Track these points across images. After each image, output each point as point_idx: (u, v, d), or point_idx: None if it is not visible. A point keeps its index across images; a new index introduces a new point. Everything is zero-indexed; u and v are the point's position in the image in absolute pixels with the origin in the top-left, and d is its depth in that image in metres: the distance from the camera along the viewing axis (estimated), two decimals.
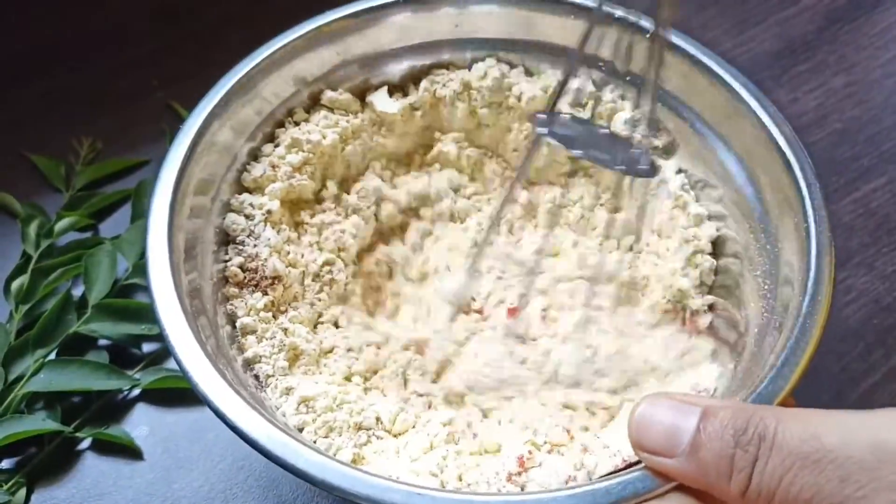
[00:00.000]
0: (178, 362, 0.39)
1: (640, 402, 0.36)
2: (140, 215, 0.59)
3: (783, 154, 0.45)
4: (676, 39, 0.50)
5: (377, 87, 0.54)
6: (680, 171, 0.51)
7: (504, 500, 0.36)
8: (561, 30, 0.53)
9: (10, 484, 0.48)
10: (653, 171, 0.45)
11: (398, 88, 0.55)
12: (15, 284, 0.54)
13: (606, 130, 0.46)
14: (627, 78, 0.52)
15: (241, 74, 0.49)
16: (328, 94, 0.53)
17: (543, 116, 0.44)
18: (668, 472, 0.34)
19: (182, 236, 0.44)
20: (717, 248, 0.49)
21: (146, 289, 0.54)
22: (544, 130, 0.44)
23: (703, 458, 0.33)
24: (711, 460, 0.33)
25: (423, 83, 0.54)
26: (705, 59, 0.49)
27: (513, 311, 0.49)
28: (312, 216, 0.51)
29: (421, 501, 0.35)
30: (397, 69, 0.54)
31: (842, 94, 0.68)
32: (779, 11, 0.73)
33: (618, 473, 0.36)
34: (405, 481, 0.37)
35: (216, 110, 0.48)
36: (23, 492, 0.48)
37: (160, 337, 0.53)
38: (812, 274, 0.41)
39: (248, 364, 0.44)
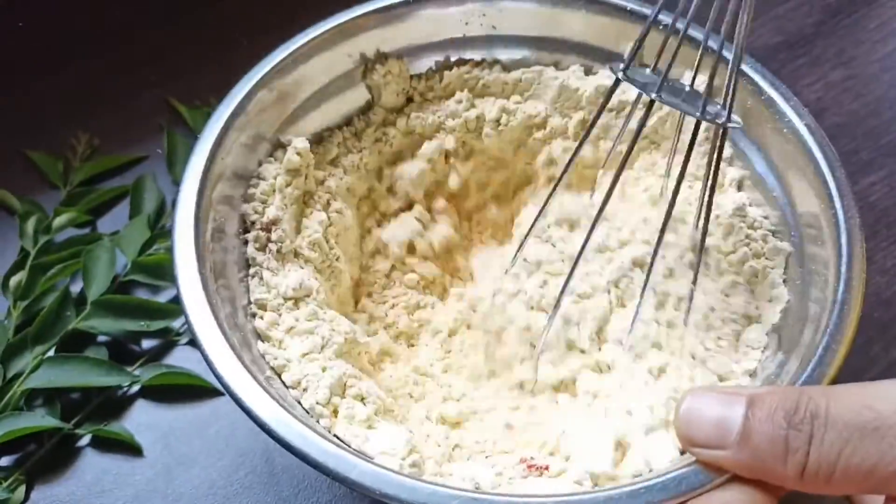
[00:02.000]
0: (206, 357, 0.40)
1: (683, 397, 0.36)
2: (138, 211, 0.58)
3: (805, 143, 0.46)
4: (693, 31, 0.50)
5: None
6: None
7: (561, 500, 0.36)
8: (589, 27, 0.54)
9: (9, 481, 0.48)
10: (732, 121, 0.43)
11: None
12: (13, 281, 0.54)
13: (686, 86, 0.45)
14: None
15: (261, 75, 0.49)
16: None
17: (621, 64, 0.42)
18: (722, 464, 0.34)
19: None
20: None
21: (147, 285, 0.55)
22: (620, 73, 0.42)
23: (755, 444, 0.33)
24: (765, 445, 0.33)
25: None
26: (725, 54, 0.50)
27: None
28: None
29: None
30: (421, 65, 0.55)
31: (840, 87, 0.68)
32: (777, 5, 0.73)
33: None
34: (434, 482, 0.37)
35: (242, 104, 0.48)
36: (22, 489, 0.48)
37: (159, 333, 0.53)
38: (844, 259, 0.41)
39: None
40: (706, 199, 0.45)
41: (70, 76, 0.67)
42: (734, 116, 0.43)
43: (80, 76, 0.67)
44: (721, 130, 0.43)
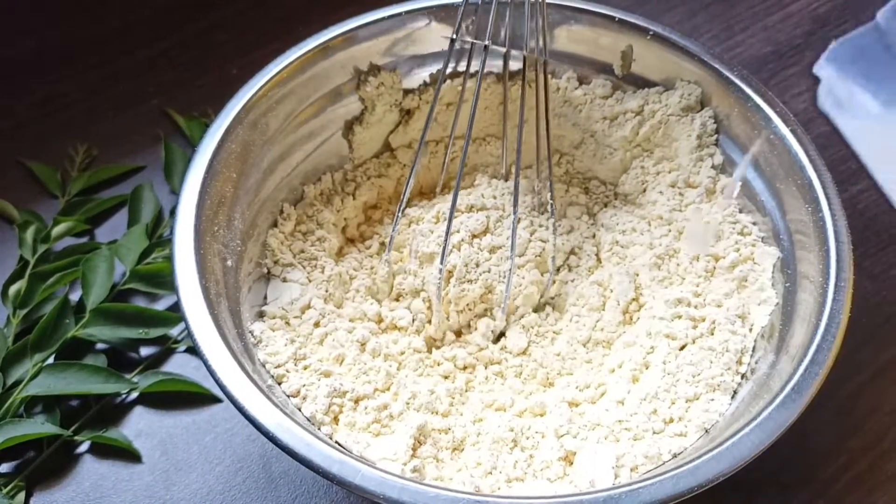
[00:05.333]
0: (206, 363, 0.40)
1: None
2: (136, 220, 0.59)
3: (791, 148, 0.47)
4: (685, 42, 0.52)
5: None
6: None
7: (562, 500, 0.37)
8: (580, 39, 0.55)
9: (9, 487, 0.48)
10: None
11: None
12: (12, 289, 0.54)
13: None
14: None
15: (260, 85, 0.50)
16: None
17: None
18: None
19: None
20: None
21: (145, 293, 0.56)
22: (453, 36, 0.48)
23: None
24: None
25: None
26: (716, 64, 0.51)
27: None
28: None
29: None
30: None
31: None
32: (766, 16, 0.74)
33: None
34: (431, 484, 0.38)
35: (239, 115, 0.49)
36: (22, 495, 0.48)
37: (157, 340, 0.54)
38: (833, 261, 0.42)
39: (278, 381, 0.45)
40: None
41: (68, 86, 0.68)
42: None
43: (79, 86, 0.68)
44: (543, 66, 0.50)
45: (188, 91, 0.67)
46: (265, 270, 0.50)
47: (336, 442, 0.42)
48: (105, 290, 0.54)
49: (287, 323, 0.48)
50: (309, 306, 0.49)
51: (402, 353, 0.49)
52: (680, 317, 0.48)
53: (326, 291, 0.50)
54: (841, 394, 0.53)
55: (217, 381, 0.39)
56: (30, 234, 0.57)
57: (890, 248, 0.60)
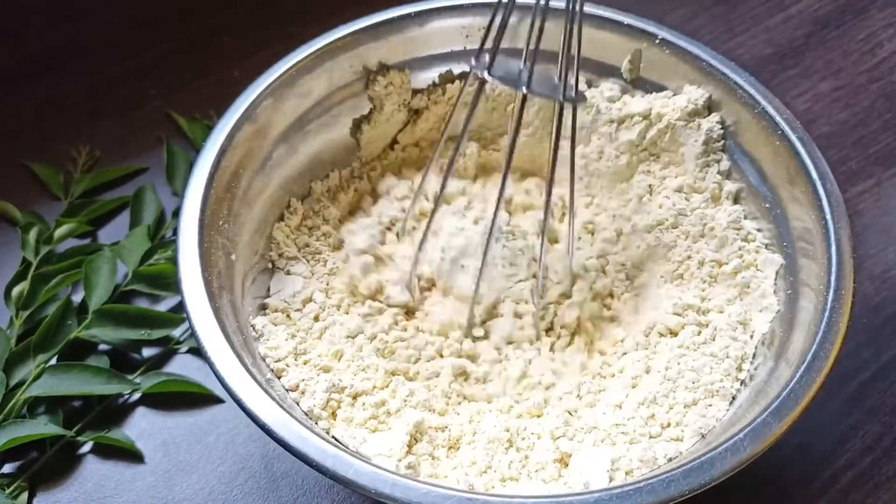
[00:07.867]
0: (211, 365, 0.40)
1: None
2: (138, 222, 0.59)
3: (797, 155, 0.47)
4: (693, 47, 0.52)
5: None
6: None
7: (554, 500, 0.37)
8: (589, 42, 0.54)
9: (12, 488, 0.48)
10: (583, 97, 0.50)
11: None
12: (15, 291, 0.55)
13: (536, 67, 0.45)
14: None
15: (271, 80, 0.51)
16: None
17: (477, 61, 0.44)
18: None
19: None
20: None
21: (147, 294, 0.56)
22: (484, 72, 0.43)
23: None
24: None
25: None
26: (724, 69, 0.52)
27: None
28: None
29: None
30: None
31: (829, 98, 0.69)
32: (767, 18, 0.74)
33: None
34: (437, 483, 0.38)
35: (247, 112, 0.49)
36: (25, 496, 0.48)
37: (159, 341, 0.54)
38: (834, 269, 0.42)
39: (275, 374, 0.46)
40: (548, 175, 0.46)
41: (71, 88, 0.68)
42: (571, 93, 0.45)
43: (82, 88, 0.68)
44: (573, 107, 0.46)
45: (191, 94, 0.67)
46: (269, 264, 0.51)
47: (333, 437, 0.43)
48: (107, 292, 0.54)
49: (288, 316, 0.48)
50: (311, 299, 0.49)
51: None
52: (683, 324, 0.48)
53: (328, 285, 0.50)
54: (841, 394, 0.53)
55: (215, 372, 0.40)
56: (32, 235, 0.57)
57: (890, 248, 0.60)
